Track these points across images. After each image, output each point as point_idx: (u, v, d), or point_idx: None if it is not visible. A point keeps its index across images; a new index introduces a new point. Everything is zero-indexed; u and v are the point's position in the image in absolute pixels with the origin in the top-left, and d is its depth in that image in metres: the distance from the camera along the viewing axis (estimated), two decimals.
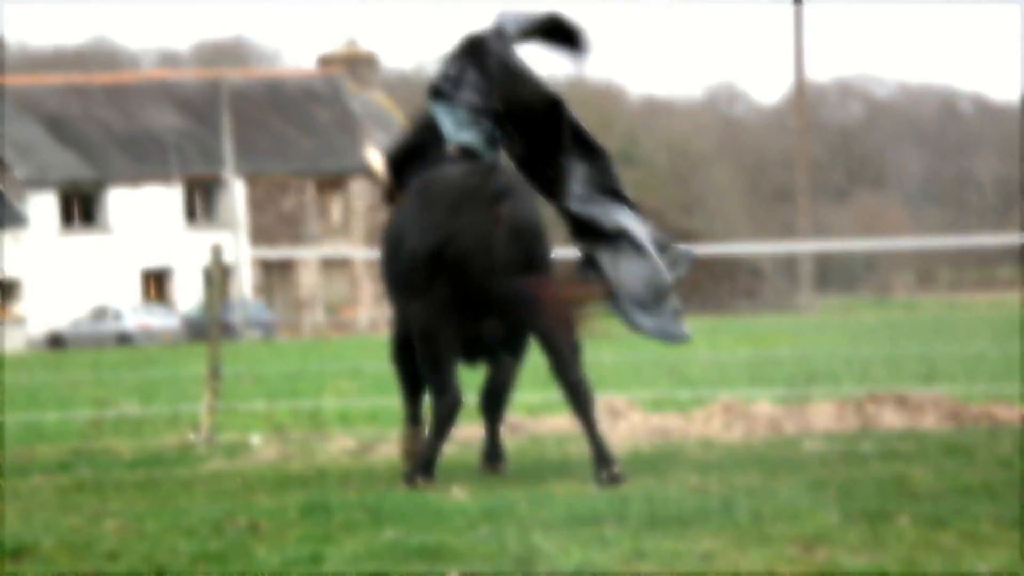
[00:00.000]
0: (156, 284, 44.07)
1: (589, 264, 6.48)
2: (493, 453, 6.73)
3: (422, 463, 6.29)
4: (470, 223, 6.08)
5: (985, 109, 64.17)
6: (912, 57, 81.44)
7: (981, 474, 5.96)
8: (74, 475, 7.09)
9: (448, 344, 6.23)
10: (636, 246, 6.44)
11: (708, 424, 8.14)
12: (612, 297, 6.41)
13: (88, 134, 44.38)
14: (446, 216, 6.10)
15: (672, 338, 6.49)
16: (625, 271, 6.42)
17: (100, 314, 41.20)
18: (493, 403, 6.72)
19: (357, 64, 48.75)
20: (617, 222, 6.44)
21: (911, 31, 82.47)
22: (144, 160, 44.24)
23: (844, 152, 60.23)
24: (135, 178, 43.88)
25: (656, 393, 10.61)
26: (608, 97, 53.57)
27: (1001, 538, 4.68)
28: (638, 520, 4.98)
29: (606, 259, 6.43)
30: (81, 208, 43.46)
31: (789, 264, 46.27)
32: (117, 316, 40.67)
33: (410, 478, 6.26)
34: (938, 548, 4.56)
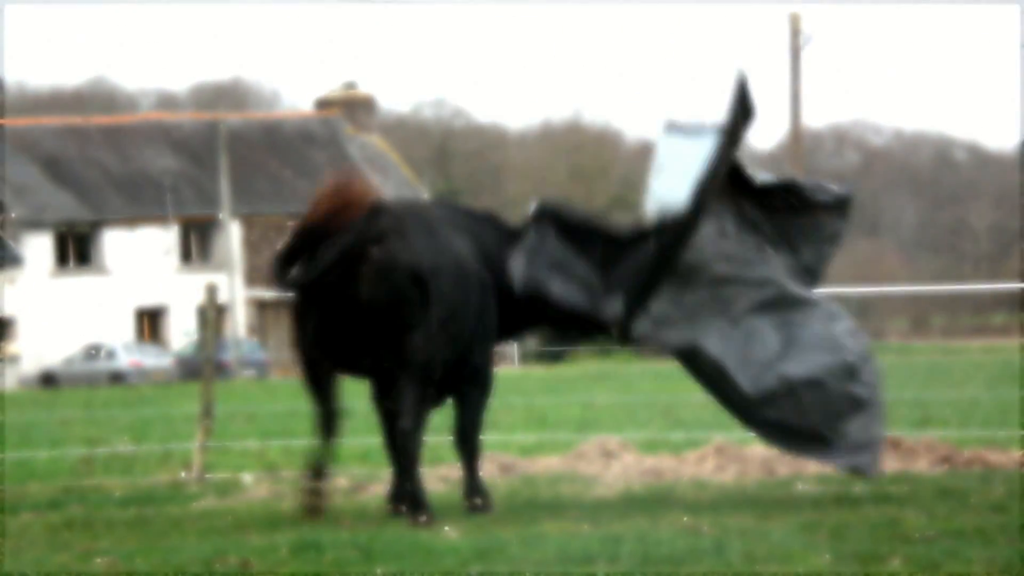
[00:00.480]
0: (150, 323, 44.04)
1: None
2: (472, 489, 6.79)
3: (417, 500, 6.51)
4: (338, 260, 6.40)
5: (980, 157, 64.52)
6: (907, 104, 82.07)
7: (974, 518, 5.95)
8: (64, 513, 7.05)
9: (326, 371, 6.62)
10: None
11: (701, 465, 8.12)
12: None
13: (85, 175, 44.51)
14: (327, 251, 6.45)
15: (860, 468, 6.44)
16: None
17: (93, 353, 41.14)
18: (464, 440, 6.82)
19: (355, 107, 49.03)
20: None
21: (907, 78, 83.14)
22: (140, 201, 44.35)
23: None
24: (131, 219, 43.97)
25: (649, 434, 10.59)
26: (604, 141, 53.81)
27: None
28: (630, 560, 4.96)
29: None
30: (76, 249, 43.51)
31: None
32: (110, 355, 40.61)
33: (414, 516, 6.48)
34: None
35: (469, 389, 6.71)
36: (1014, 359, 26.87)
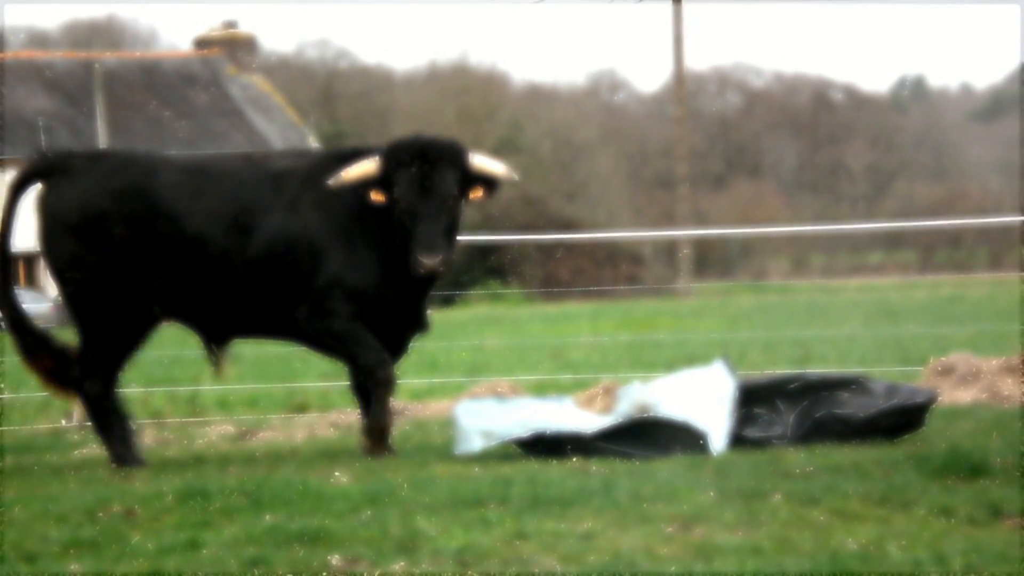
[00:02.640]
0: (25, 268, 42.91)
1: None
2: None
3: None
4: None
5: (856, 99, 65.83)
6: (787, 47, 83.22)
7: (850, 453, 6.13)
8: None
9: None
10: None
11: (590, 406, 8.22)
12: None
13: None
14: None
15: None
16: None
17: None
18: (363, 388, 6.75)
19: (236, 47, 48.04)
20: None
21: (786, 21, 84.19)
22: (13, 142, 43.01)
23: (722, 141, 61.30)
24: (2, 161, 42.65)
25: (540, 377, 10.69)
26: (491, 83, 53.61)
27: (869, 515, 4.82)
28: (520, 501, 5.01)
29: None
30: None
31: (669, 250, 46.94)
32: None
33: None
34: (810, 525, 4.68)
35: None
36: (889, 297, 27.65)
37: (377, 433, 6.55)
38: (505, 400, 6.95)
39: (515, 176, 6.61)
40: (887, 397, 6.66)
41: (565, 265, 43.07)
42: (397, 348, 6.69)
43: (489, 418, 6.57)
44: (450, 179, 6.44)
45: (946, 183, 51.57)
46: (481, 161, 6.57)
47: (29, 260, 43.02)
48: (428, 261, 6.39)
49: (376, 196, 6.47)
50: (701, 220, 47.69)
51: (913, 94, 65.98)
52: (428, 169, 6.42)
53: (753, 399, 6.69)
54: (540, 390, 9.36)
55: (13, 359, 7.05)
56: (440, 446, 6.99)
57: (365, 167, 6.49)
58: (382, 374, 6.53)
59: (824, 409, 6.65)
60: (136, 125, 45.18)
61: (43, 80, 44.66)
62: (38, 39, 59.80)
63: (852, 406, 6.64)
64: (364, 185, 6.49)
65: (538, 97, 58.51)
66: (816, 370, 8.35)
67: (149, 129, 45.27)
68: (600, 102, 63.27)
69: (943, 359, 8.98)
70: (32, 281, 43.17)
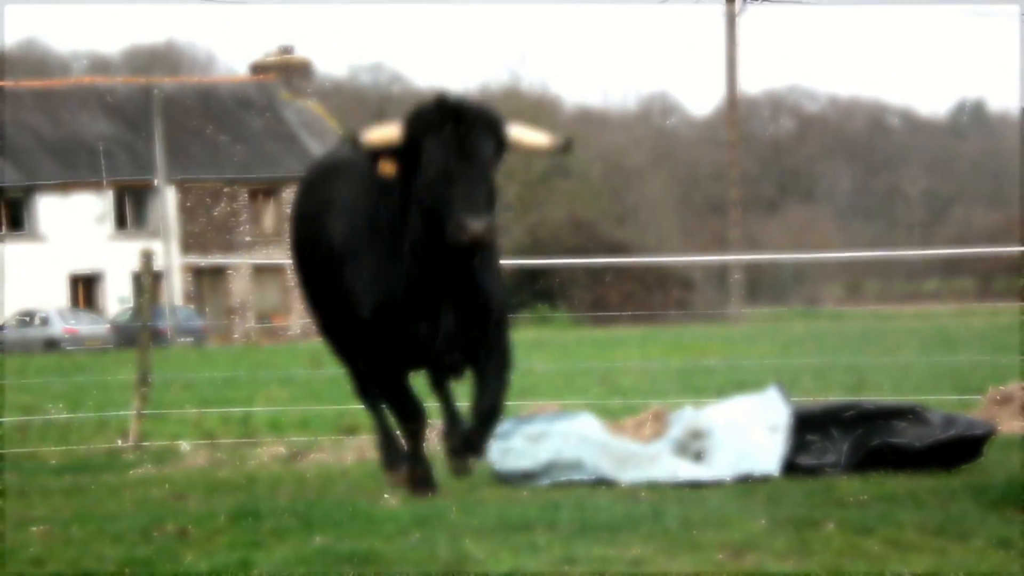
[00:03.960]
0: (85, 290, 43.47)
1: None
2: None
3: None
4: None
5: (913, 123, 65.28)
6: (842, 70, 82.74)
7: (906, 482, 6.06)
8: None
9: None
10: None
11: (639, 432, 8.19)
12: None
13: (17, 140, 43.71)
14: None
15: None
16: None
17: (27, 320, 40.54)
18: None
19: (291, 71, 48.54)
20: None
21: (841, 44, 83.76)
22: (74, 167, 43.66)
23: (775, 165, 60.99)
24: (65, 185, 43.30)
25: (588, 401, 10.66)
26: (542, 107, 53.73)
27: (925, 545, 4.76)
28: (569, 526, 5.00)
29: None
30: (9, 215, 42.77)
31: (720, 275, 46.70)
32: (44, 322, 40.04)
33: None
34: (863, 554, 4.62)
35: None
36: (946, 324, 27.30)
37: (409, 480, 6.04)
38: (531, 425, 6.72)
39: (560, 142, 5.67)
40: (944, 428, 6.59)
41: (615, 289, 42.95)
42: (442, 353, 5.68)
43: (521, 458, 6.50)
44: (488, 144, 5.46)
45: (1005, 209, 50.83)
46: (519, 132, 5.62)
47: (89, 282, 43.59)
48: (474, 223, 5.24)
49: (386, 167, 5.45)
50: (753, 245, 47.41)
51: (972, 119, 65.24)
52: (465, 131, 5.42)
53: (807, 426, 6.64)
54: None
55: (64, 380, 7.12)
56: (488, 468, 6.99)
57: (386, 131, 5.52)
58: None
59: (879, 438, 6.59)
60: (193, 149, 45.71)
61: (104, 105, 45.33)
62: (100, 65, 60.75)
63: (908, 436, 6.57)
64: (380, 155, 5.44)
65: (589, 121, 58.54)
66: (870, 398, 8.26)
67: (205, 153, 45.80)
68: (651, 126, 63.20)
69: (1001, 388, 8.86)
70: (91, 303, 43.72)
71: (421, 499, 5.87)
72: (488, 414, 5.79)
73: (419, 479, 6.04)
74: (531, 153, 5.69)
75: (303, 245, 6.10)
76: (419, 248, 5.51)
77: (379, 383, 5.96)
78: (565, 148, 5.67)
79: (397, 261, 5.57)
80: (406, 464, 6.09)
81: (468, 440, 5.85)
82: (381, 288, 5.61)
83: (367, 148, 5.50)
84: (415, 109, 5.57)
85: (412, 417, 5.92)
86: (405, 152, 5.49)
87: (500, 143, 5.55)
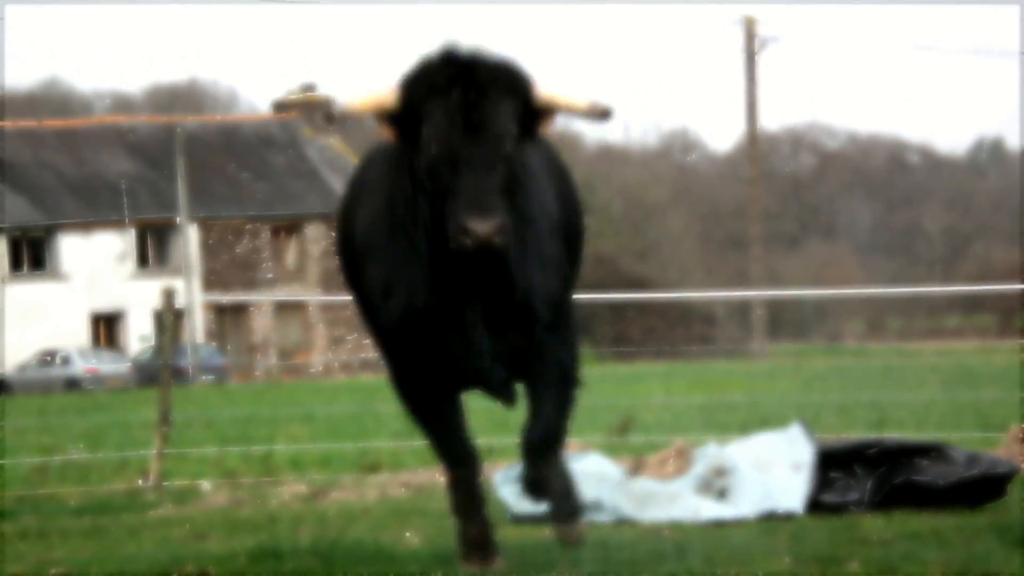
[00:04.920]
0: (106, 329, 43.65)
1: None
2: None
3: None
4: None
5: (932, 160, 65.24)
6: (861, 107, 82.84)
7: (930, 521, 6.01)
8: (18, 523, 6.96)
9: None
10: None
11: (662, 468, 8.14)
12: None
13: (39, 179, 44.07)
14: None
15: None
16: None
17: (48, 359, 40.70)
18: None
19: (313, 109, 48.86)
20: None
21: (860, 81, 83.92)
22: (96, 205, 43.96)
23: (795, 201, 60.99)
24: (86, 224, 43.60)
25: (610, 437, 10.62)
26: (563, 143, 53.89)
27: None
28: (591, 565, 4.97)
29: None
30: (30, 253, 43.06)
31: (742, 311, 46.61)
32: (65, 361, 40.19)
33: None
34: None
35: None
36: (968, 361, 27.15)
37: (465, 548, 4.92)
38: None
39: (602, 106, 4.45)
40: (968, 466, 6.54)
41: (636, 324, 42.91)
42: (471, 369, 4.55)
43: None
44: (506, 112, 4.25)
45: None
46: (551, 93, 4.39)
47: (110, 320, 43.78)
48: (479, 225, 4.09)
49: (384, 131, 4.36)
50: (774, 281, 47.34)
51: (991, 156, 65.22)
52: (476, 97, 4.22)
53: (830, 463, 6.61)
54: (611, 451, 9.29)
55: (84, 419, 7.13)
56: (504, 509, 6.95)
57: (378, 95, 4.37)
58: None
59: (903, 476, 6.55)
60: (215, 187, 46.01)
61: (126, 144, 45.71)
62: (122, 104, 61.32)
63: (932, 474, 6.53)
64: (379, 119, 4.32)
65: (610, 157, 58.70)
66: (893, 435, 8.21)
67: (228, 191, 46.09)
68: (672, 162, 63.33)
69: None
70: (113, 342, 43.89)
71: (442, 538, 5.83)
72: (539, 446, 4.61)
73: (471, 543, 4.83)
74: (567, 115, 4.43)
75: (342, 246, 4.88)
76: (434, 241, 4.34)
77: (412, 415, 4.77)
78: (604, 114, 4.45)
79: (418, 258, 4.41)
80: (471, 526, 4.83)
81: (526, 484, 4.78)
82: (400, 294, 4.48)
83: (348, 116, 4.36)
84: (417, 65, 4.37)
85: (457, 460, 4.77)
86: (404, 121, 4.34)
87: (526, 108, 4.33)
